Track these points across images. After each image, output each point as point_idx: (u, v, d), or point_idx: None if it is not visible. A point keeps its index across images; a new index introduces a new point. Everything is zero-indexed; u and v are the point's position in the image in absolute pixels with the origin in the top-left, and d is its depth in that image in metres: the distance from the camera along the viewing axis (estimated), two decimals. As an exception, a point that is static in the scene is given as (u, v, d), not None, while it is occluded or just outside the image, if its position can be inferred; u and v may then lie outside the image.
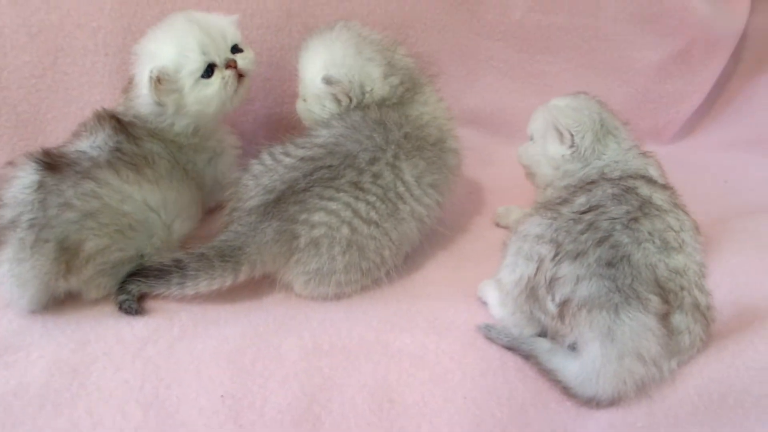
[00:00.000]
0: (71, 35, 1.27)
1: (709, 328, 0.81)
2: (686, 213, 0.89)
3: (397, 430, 0.71)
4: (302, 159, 0.95)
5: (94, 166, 0.93)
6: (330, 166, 0.93)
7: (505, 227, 1.21)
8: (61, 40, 1.27)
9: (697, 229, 0.88)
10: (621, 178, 0.91)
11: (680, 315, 0.77)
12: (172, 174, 1.02)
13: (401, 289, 1.01)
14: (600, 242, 0.77)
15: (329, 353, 0.83)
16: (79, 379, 0.79)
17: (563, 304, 0.76)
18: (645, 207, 0.83)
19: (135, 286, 0.92)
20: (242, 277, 0.92)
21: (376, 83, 1.05)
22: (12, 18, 1.24)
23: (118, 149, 0.96)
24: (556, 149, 1.00)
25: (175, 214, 1.01)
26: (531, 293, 0.81)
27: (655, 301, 0.73)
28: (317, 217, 0.91)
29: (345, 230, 0.92)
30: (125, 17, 1.28)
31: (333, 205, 0.92)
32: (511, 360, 0.82)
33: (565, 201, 0.88)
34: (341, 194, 0.92)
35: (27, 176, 0.90)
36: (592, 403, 0.73)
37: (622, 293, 0.73)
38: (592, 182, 0.92)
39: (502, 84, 1.55)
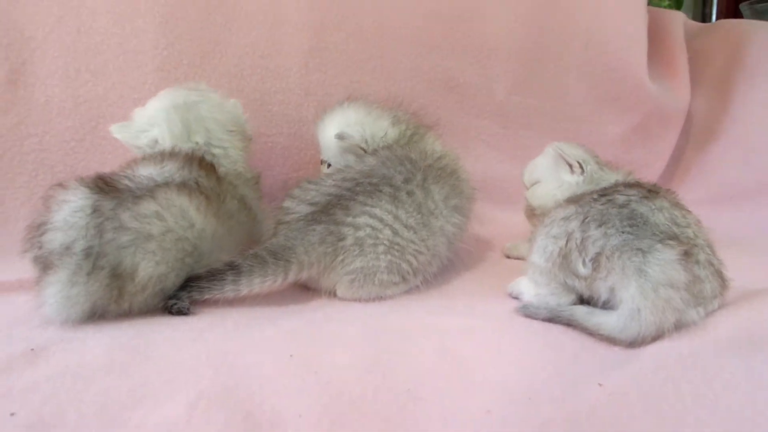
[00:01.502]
0: (114, 105, 1.42)
1: (725, 291, 0.91)
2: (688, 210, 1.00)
3: (462, 375, 0.74)
4: (343, 180, 1.06)
5: (159, 188, 0.95)
6: (370, 183, 1.04)
7: (517, 258, 1.31)
8: (104, 109, 1.42)
9: (700, 222, 0.98)
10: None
11: (698, 267, 0.86)
12: (235, 214, 1.07)
13: (436, 293, 1.07)
14: (620, 210, 0.89)
15: (385, 333, 0.87)
16: (142, 355, 0.79)
17: (596, 258, 0.85)
18: (652, 193, 0.95)
19: (186, 292, 0.95)
20: (291, 277, 0.97)
21: (387, 130, 1.21)
22: (62, 89, 1.39)
23: (196, 181, 1.00)
24: (570, 179, 1.13)
25: (221, 249, 1.02)
26: (563, 261, 0.89)
27: (674, 243, 0.83)
28: (362, 219, 1.00)
29: (387, 232, 1.01)
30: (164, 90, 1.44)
31: (376, 211, 1.01)
32: (554, 327, 0.88)
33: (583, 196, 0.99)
34: (383, 202, 1.02)
35: (78, 200, 0.92)
36: (637, 343, 0.79)
37: (646, 242, 0.83)
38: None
39: (490, 156, 1.75)
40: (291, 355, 0.78)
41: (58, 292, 0.86)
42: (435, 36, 1.65)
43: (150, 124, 1.14)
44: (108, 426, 0.61)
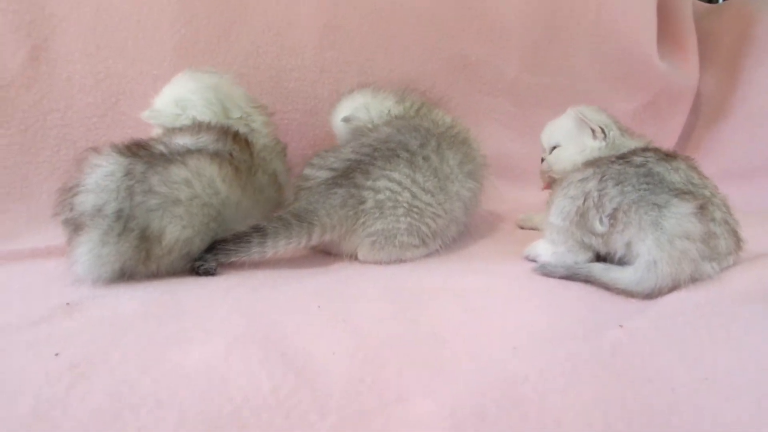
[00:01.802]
0: (133, 81, 1.44)
1: (740, 250, 0.93)
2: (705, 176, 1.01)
3: (485, 322, 0.77)
4: (361, 146, 1.09)
5: (191, 155, 0.98)
6: (388, 149, 1.07)
7: (530, 228, 1.34)
8: (124, 85, 1.44)
9: (716, 187, 0.99)
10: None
11: (713, 224, 0.89)
12: (265, 189, 1.11)
13: (455, 257, 1.10)
14: (637, 169, 0.91)
15: (407, 291, 0.90)
16: (175, 308, 0.82)
17: (613, 213, 0.87)
18: (670, 157, 0.97)
19: (212, 255, 0.98)
20: (315, 238, 1.00)
21: (392, 108, 1.25)
22: (83, 65, 1.41)
23: (230, 152, 1.03)
24: (592, 144, 1.12)
25: (245, 218, 1.04)
26: (581, 219, 0.92)
27: (689, 197, 0.85)
28: (381, 183, 1.03)
29: (406, 194, 1.03)
30: (183, 67, 1.45)
31: (395, 174, 1.04)
32: (572, 284, 0.91)
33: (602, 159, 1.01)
34: (401, 167, 1.05)
35: (110, 165, 0.95)
36: (654, 294, 0.82)
37: (662, 197, 0.85)
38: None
39: (502, 134, 1.77)
40: (318, 307, 0.81)
41: (89, 251, 0.89)
42: (448, 15, 1.66)
43: (183, 107, 1.17)
44: (151, 363, 0.64)
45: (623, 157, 0.97)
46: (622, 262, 0.89)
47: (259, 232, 0.97)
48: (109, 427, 0.52)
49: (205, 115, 1.16)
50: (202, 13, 1.47)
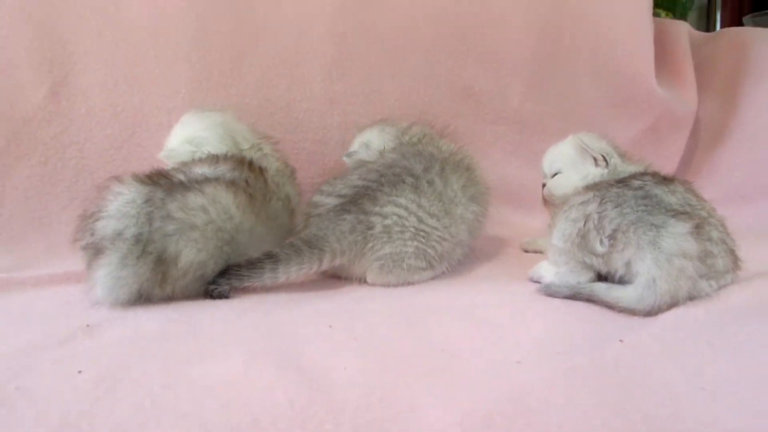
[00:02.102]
0: (149, 114, 1.51)
1: (737, 269, 0.96)
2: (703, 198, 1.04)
3: (494, 338, 0.79)
4: (368, 171, 1.13)
5: (209, 182, 1.02)
6: (393, 174, 1.11)
7: (535, 251, 1.37)
8: (140, 118, 1.50)
9: (714, 210, 1.03)
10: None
11: (710, 244, 0.91)
12: (279, 215, 1.15)
13: (461, 279, 1.13)
14: (635, 192, 0.95)
15: (417, 308, 0.93)
16: (193, 328, 0.85)
17: (613, 234, 0.90)
18: (668, 180, 1.01)
19: (226, 279, 1.01)
20: (325, 264, 1.03)
21: (391, 142, 1.29)
22: (101, 100, 1.48)
23: (246, 180, 1.08)
24: (594, 171, 1.16)
25: (259, 244, 1.07)
26: (582, 241, 0.95)
27: (686, 217, 0.88)
28: (388, 208, 1.06)
29: (413, 219, 1.07)
30: (196, 101, 1.53)
31: (401, 200, 1.08)
32: (576, 303, 0.93)
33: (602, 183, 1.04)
34: (406, 192, 1.09)
35: (131, 193, 0.99)
36: (654, 311, 0.84)
37: (659, 217, 0.88)
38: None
39: (507, 161, 1.81)
40: (330, 326, 0.83)
41: (109, 273, 0.93)
42: (451, 44, 1.73)
43: (198, 145, 1.23)
44: (172, 378, 0.66)
45: (622, 181, 1.00)
46: (622, 281, 0.92)
47: (271, 258, 1.00)
48: (135, 438, 0.55)
49: (219, 149, 1.21)
50: (214, 48, 1.54)
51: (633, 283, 0.88)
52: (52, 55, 1.45)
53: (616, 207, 0.93)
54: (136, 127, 1.50)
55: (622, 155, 1.21)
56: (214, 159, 1.12)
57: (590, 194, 0.99)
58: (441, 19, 1.71)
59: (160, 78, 1.51)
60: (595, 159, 1.17)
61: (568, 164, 1.22)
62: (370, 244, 1.06)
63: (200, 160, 1.13)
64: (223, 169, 1.08)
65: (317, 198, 1.14)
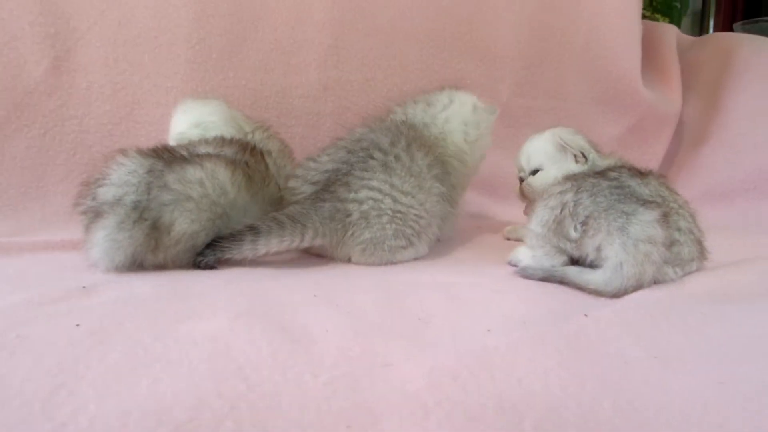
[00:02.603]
0: (148, 92, 1.54)
1: (703, 259, 1.01)
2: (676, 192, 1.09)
3: (467, 310, 0.84)
4: (336, 150, 1.16)
5: (209, 158, 1.06)
6: (362, 149, 1.13)
7: (516, 239, 1.42)
8: (139, 95, 1.54)
9: (687, 203, 1.08)
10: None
11: (677, 233, 0.97)
12: (274, 200, 1.18)
13: (443, 261, 1.17)
14: (610, 182, 0.99)
15: (397, 284, 0.97)
16: (183, 292, 0.90)
17: (585, 220, 0.95)
18: (642, 174, 1.06)
19: (210, 250, 1.05)
20: (306, 241, 1.06)
21: None
22: (102, 76, 1.51)
23: (246, 162, 1.12)
24: (574, 168, 1.20)
25: (244, 217, 1.11)
26: (557, 227, 1.00)
27: (654, 206, 0.94)
28: (363, 194, 1.10)
29: (388, 201, 1.10)
30: (194, 80, 1.57)
31: (374, 182, 1.10)
32: (549, 285, 0.98)
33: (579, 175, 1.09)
34: (377, 173, 1.11)
35: (133, 164, 1.03)
36: (620, 294, 0.89)
37: (630, 206, 0.93)
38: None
39: (495, 153, 1.85)
40: (315, 296, 0.88)
41: (107, 235, 0.98)
42: (446, 37, 1.77)
43: (206, 129, 1.28)
44: (163, 332, 0.71)
45: (600, 173, 1.05)
46: (592, 266, 0.97)
47: (252, 230, 1.02)
48: (126, 379, 0.59)
49: (226, 132, 1.26)
50: (214, 31, 1.58)
51: (602, 267, 0.93)
52: (55, 30, 1.49)
53: (590, 196, 0.98)
54: (135, 105, 1.54)
55: (597, 150, 1.25)
56: (219, 141, 1.17)
57: (568, 184, 1.04)
58: (436, 12, 1.75)
59: (160, 58, 1.54)
60: (575, 156, 1.22)
61: (550, 161, 1.26)
62: (350, 231, 1.09)
63: (206, 141, 1.18)
64: (228, 152, 1.13)
65: (293, 183, 1.17)
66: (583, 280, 0.94)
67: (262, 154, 1.21)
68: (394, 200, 1.11)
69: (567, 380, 0.60)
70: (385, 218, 1.10)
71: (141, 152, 1.07)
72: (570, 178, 1.08)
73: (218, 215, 1.07)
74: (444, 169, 1.24)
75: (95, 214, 1.00)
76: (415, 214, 1.14)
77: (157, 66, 1.54)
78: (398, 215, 1.12)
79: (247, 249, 1.03)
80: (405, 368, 0.62)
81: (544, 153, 1.28)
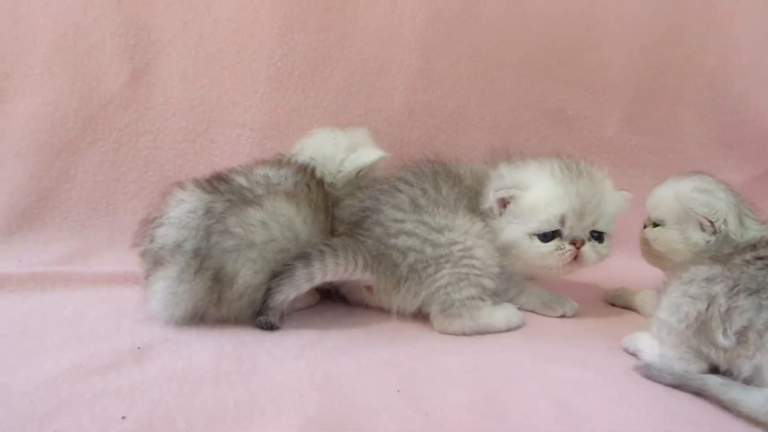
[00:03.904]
0: (226, 110, 1.46)
1: None
2: None
3: (579, 426, 0.68)
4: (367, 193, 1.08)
5: (268, 195, 0.96)
6: (388, 183, 1.07)
7: (622, 307, 1.22)
8: (216, 113, 1.45)
9: None
10: None
11: None
12: (324, 222, 1.07)
13: (541, 337, 1.00)
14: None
15: (492, 374, 0.82)
16: (246, 366, 0.78)
17: (743, 331, 0.76)
18: None
19: (267, 307, 0.92)
20: (359, 270, 0.95)
21: None
22: (180, 91, 1.44)
23: (307, 185, 1.03)
24: (698, 238, 1.01)
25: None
26: (700, 327, 0.81)
27: None
28: (401, 241, 0.98)
29: (428, 249, 0.98)
30: (274, 99, 1.47)
31: (407, 225, 0.99)
32: (680, 394, 0.80)
33: (729, 254, 0.88)
34: (406, 208, 1.01)
35: (193, 201, 0.94)
36: (784, 425, 0.70)
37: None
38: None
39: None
40: (398, 390, 0.74)
41: (167, 287, 0.88)
42: (547, 65, 1.59)
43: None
44: (217, 442, 0.59)
45: (762, 258, 0.84)
46: (747, 382, 0.78)
47: (302, 258, 0.93)
48: None
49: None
50: (299, 47, 1.47)
51: (763, 388, 0.74)
52: (136, 42, 1.42)
53: (750, 295, 0.78)
54: (211, 122, 1.45)
55: (745, 212, 1.03)
56: (277, 162, 1.08)
57: (717, 269, 0.83)
58: (537, 37, 1.57)
59: (240, 74, 1.45)
60: (700, 223, 1.01)
61: (672, 219, 1.06)
62: (404, 287, 0.98)
63: (263, 161, 1.10)
64: (286, 173, 1.04)
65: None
66: (731, 399, 0.75)
67: (321, 181, 1.10)
68: (434, 246, 0.98)
69: None
70: (430, 270, 0.97)
71: (199, 185, 0.98)
72: (718, 260, 0.86)
73: (281, 262, 0.93)
74: (477, 201, 1.08)
75: (155, 260, 0.91)
76: (461, 253, 0.98)
77: (236, 83, 1.45)
78: (441, 261, 0.98)
79: (301, 279, 0.91)
80: None
81: (669, 208, 1.06)
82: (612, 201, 1.09)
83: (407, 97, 1.53)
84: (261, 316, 0.93)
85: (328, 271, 0.92)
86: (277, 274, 0.92)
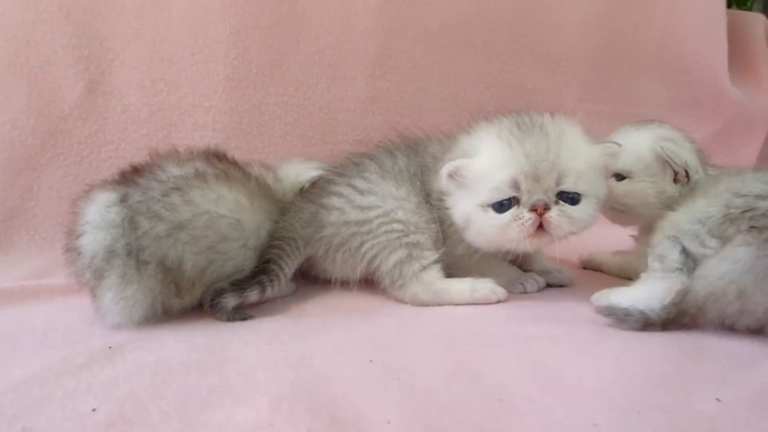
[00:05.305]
0: (186, 113, 1.45)
1: None
2: None
3: (555, 384, 0.69)
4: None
5: (184, 178, 0.91)
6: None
7: (594, 269, 1.25)
8: (176, 117, 1.44)
9: None
10: None
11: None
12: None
13: (514, 301, 1.01)
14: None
15: (465, 340, 0.83)
16: (219, 355, 0.78)
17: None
18: None
19: (229, 294, 0.91)
20: (302, 252, 1.02)
21: None
22: (138, 98, 1.43)
23: (224, 171, 0.98)
24: (672, 190, 1.01)
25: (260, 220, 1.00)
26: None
27: None
28: (330, 200, 1.04)
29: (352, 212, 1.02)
30: (234, 99, 1.46)
31: (338, 188, 1.05)
32: (649, 337, 0.82)
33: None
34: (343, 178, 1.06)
35: (103, 195, 0.89)
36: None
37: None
38: None
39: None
40: (370, 360, 0.74)
41: (115, 296, 0.85)
42: (503, 41, 1.61)
43: None
44: (190, 425, 0.59)
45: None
46: None
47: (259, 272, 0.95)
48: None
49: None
50: (254, 45, 1.47)
51: None
52: (89, 53, 1.41)
53: None
54: (172, 127, 1.45)
55: (705, 163, 1.05)
56: (188, 154, 1.03)
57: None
58: (491, 16, 1.59)
59: (197, 76, 1.45)
60: (675, 173, 1.01)
61: (642, 172, 1.04)
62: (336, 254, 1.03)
63: (168, 157, 1.02)
64: (198, 166, 0.96)
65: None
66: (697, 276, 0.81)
67: (234, 161, 1.05)
68: (357, 208, 1.00)
69: None
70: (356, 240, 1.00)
71: (105, 183, 0.94)
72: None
73: (219, 237, 0.91)
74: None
75: (94, 275, 0.86)
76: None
77: (194, 85, 1.45)
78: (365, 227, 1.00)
79: (253, 292, 0.92)
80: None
81: (638, 159, 1.03)
82: (584, 155, 0.93)
83: (367, 84, 1.54)
84: (216, 313, 0.91)
85: (281, 281, 0.96)
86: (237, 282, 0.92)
